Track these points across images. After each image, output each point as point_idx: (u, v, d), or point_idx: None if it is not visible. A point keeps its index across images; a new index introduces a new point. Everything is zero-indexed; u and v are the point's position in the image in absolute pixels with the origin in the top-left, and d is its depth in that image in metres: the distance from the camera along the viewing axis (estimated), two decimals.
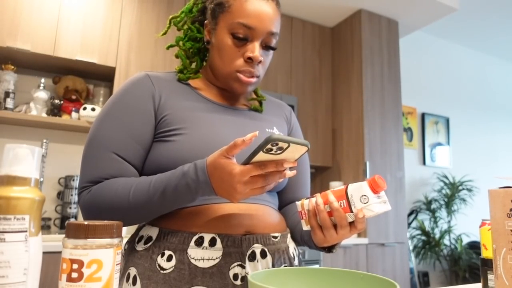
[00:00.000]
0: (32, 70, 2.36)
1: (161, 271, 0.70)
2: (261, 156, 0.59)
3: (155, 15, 2.46)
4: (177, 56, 0.87)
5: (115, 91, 0.79)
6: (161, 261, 0.71)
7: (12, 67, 2.18)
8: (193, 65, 0.90)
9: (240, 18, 0.76)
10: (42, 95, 2.18)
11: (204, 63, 0.91)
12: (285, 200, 0.94)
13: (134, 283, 0.72)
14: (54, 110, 2.26)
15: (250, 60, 0.78)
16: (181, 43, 0.86)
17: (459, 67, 4.38)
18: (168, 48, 0.89)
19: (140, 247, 0.75)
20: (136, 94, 0.77)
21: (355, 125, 2.90)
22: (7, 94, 2.09)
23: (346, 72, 3.05)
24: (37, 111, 2.17)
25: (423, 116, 3.91)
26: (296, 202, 0.75)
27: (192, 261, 0.70)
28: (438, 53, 4.22)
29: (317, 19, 3.16)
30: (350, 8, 2.99)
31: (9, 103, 2.09)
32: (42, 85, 2.22)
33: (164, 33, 0.88)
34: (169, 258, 0.71)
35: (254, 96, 0.94)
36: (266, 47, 0.80)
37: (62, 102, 2.27)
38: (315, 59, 3.13)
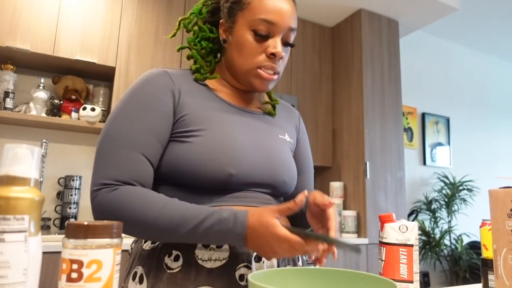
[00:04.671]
0: (31, 70, 2.36)
1: (168, 271, 0.70)
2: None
3: (155, 15, 2.45)
4: (188, 58, 0.86)
5: (131, 87, 0.77)
6: (168, 260, 0.71)
7: (12, 67, 2.18)
8: (207, 65, 0.90)
9: (261, 14, 0.77)
10: (41, 95, 2.18)
11: (218, 63, 0.91)
12: None
13: (140, 281, 0.72)
14: (54, 110, 2.26)
15: (272, 56, 0.78)
16: (192, 44, 0.86)
17: (460, 67, 4.37)
18: (179, 50, 0.88)
19: (147, 246, 0.75)
20: (155, 90, 0.76)
21: (355, 125, 2.90)
22: (6, 94, 2.08)
23: (346, 72, 3.05)
24: (36, 111, 2.17)
25: (423, 116, 3.91)
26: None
27: (199, 261, 0.70)
28: (438, 53, 4.22)
29: (317, 19, 3.15)
30: (350, 8, 2.99)
31: (9, 103, 2.09)
32: (41, 85, 2.22)
33: (173, 35, 0.88)
34: (176, 258, 0.71)
35: (268, 99, 0.95)
36: (285, 43, 0.81)
37: (61, 102, 2.27)
38: (315, 59, 3.13)
